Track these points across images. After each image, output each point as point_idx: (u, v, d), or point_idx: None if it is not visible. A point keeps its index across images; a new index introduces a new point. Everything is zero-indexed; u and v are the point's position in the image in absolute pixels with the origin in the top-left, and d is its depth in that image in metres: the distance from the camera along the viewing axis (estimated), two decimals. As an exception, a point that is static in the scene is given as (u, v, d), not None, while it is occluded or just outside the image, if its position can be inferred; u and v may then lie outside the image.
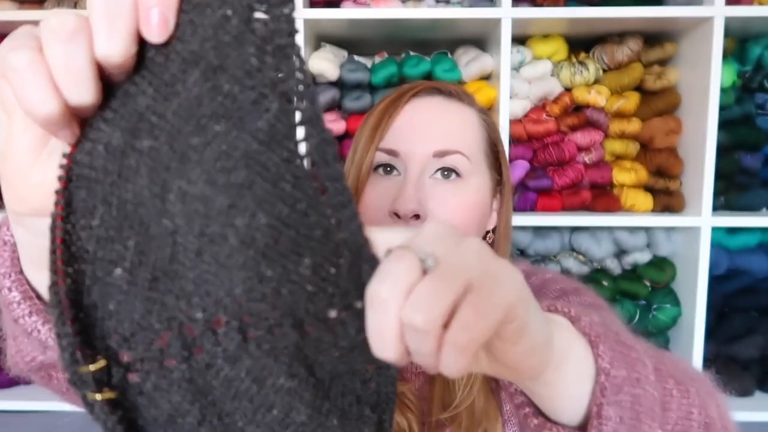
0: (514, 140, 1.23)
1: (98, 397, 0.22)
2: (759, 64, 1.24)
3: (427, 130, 0.55)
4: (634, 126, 1.22)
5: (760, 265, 1.25)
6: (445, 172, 0.55)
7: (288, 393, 0.23)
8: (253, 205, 0.22)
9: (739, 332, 1.27)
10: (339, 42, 1.27)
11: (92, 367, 0.22)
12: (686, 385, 0.39)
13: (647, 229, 1.26)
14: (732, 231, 1.25)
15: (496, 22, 1.13)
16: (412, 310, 0.21)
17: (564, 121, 1.23)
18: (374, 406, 0.25)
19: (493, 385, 0.58)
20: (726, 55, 1.21)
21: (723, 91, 1.19)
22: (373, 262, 0.23)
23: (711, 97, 1.12)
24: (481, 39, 1.29)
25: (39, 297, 0.31)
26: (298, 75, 0.22)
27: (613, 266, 1.27)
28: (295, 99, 0.22)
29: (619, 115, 1.23)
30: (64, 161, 0.23)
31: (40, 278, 0.29)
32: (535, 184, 1.23)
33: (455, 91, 0.59)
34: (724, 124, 1.20)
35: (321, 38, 1.28)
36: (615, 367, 0.34)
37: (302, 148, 0.23)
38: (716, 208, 1.25)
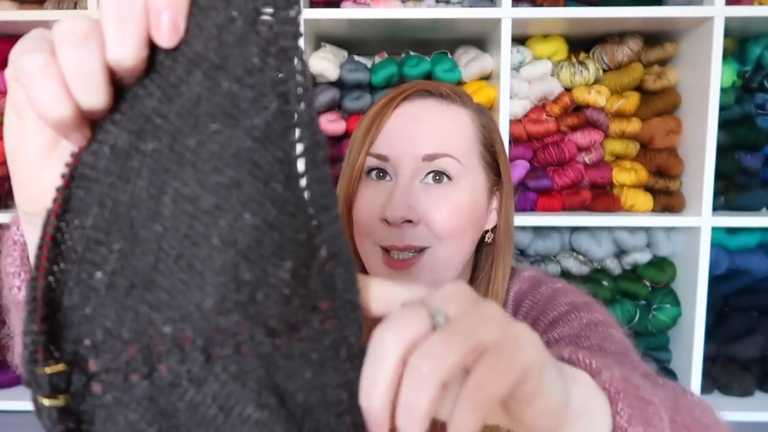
0: (514, 140, 1.23)
1: (46, 402, 0.21)
2: (759, 64, 1.24)
3: (415, 133, 0.55)
4: (634, 126, 1.22)
5: (760, 265, 1.25)
6: (436, 176, 0.55)
7: (256, 425, 0.21)
8: (240, 205, 0.22)
9: (739, 332, 1.27)
10: (339, 42, 1.27)
11: (48, 370, 0.21)
12: None
13: (647, 229, 1.26)
14: (732, 231, 1.25)
15: (496, 22, 1.13)
16: (419, 355, 0.21)
17: (564, 121, 1.23)
18: None
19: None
20: (726, 55, 1.21)
21: (723, 91, 1.19)
22: (348, 267, 0.23)
23: (711, 97, 1.12)
24: (481, 39, 1.29)
25: None
26: (299, 78, 0.22)
27: (613, 266, 1.27)
28: (294, 100, 0.22)
29: (619, 115, 1.23)
30: (70, 160, 0.24)
31: None
32: (535, 184, 1.23)
33: (446, 93, 0.58)
34: (724, 124, 1.19)
35: (321, 38, 1.28)
36: (632, 425, 0.34)
37: (297, 148, 0.23)
38: (716, 208, 1.24)
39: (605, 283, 1.25)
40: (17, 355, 0.38)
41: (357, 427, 0.23)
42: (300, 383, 0.23)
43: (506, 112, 1.15)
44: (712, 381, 1.27)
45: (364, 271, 0.61)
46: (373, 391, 0.21)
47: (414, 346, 0.21)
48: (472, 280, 0.63)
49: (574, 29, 1.21)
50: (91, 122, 0.24)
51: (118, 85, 0.23)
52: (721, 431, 0.43)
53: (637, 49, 1.21)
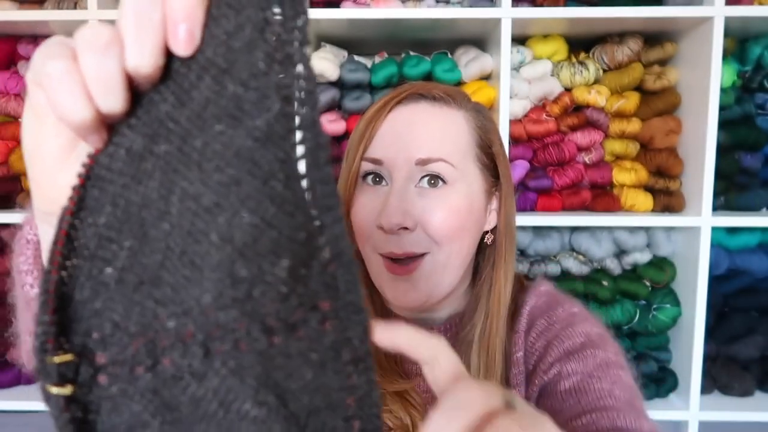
0: (514, 140, 1.23)
1: (54, 390, 0.22)
2: (759, 64, 1.24)
3: (408, 138, 0.55)
4: (634, 126, 1.22)
5: (760, 265, 1.25)
6: (431, 180, 0.55)
7: (254, 422, 0.22)
8: (238, 202, 0.22)
9: (739, 332, 1.27)
10: (339, 42, 1.27)
11: (57, 359, 0.22)
12: None
13: (647, 229, 1.26)
14: (732, 231, 1.25)
15: (496, 22, 1.13)
16: None
17: (564, 121, 1.23)
18: None
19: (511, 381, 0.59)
20: (726, 55, 1.21)
21: (723, 91, 1.19)
22: (350, 268, 0.23)
23: (711, 97, 1.12)
24: (481, 39, 1.29)
25: None
26: (302, 82, 0.23)
27: (613, 266, 1.27)
28: (297, 103, 0.23)
29: (619, 115, 1.23)
30: (87, 161, 0.25)
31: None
32: (535, 184, 1.23)
33: (440, 96, 0.58)
34: (724, 124, 1.19)
35: (321, 38, 1.28)
36: None
37: (298, 150, 0.23)
38: (716, 208, 1.25)
39: (605, 283, 1.25)
40: (24, 352, 0.38)
41: None
42: (301, 384, 0.23)
43: (506, 112, 1.15)
44: (712, 381, 1.27)
45: (366, 275, 0.62)
46: None
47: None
48: (474, 283, 0.63)
49: (574, 29, 1.21)
50: (108, 125, 0.25)
51: (135, 90, 0.24)
52: None
53: (637, 49, 1.21)
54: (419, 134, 0.55)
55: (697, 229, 1.16)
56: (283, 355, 0.23)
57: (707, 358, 1.23)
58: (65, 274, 0.24)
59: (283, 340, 0.23)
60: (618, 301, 1.25)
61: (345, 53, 1.26)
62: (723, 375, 1.27)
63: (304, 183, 0.23)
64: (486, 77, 1.25)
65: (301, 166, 0.23)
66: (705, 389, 1.23)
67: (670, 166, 1.21)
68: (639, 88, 1.24)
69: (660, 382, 1.25)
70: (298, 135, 0.23)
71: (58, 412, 0.22)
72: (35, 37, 1.28)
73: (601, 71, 1.23)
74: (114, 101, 0.23)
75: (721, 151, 1.19)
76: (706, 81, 1.12)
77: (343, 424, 0.23)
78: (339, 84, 1.22)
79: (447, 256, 0.56)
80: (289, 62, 0.23)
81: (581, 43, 1.26)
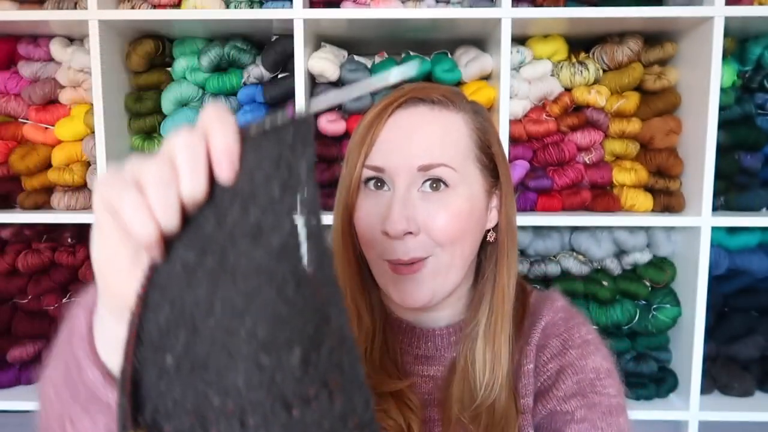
0: (514, 140, 1.23)
1: None
2: (759, 64, 1.24)
3: (409, 144, 0.56)
4: (634, 126, 1.23)
5: (760, 265, 1.25)
6: (433, 184, 0.56)
7: None
8: (260, 307, 0.28)
9: (739, 332, 1.27)
10: (339, 42, 1.27)
11: None
12: None
13: (647, 229, 1.26)
14: (732, 231, 1.25)
15: (496, 22, 1.13)
16: None
17: (564, 121, 1.24)
18: None
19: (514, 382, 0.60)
20: (726, 55, 1.21)
21: (723, 91, 1.19)
22: (352, 352, 0.28)
23: (711, 97, 1.12)
24: (481, 39, 1.29)
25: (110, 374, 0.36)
26: (309, 202, 0.29)
27: (613, 266, 1.27)
28: (304, 220, 0.29)
29: (619, 115, 1.23)
30: (148, 271, 0.30)
31: (114, 360, 0.34)
32: (535, 184, 1.23)
33: (438, 99, 0.58)
34: (724, 124, 1.20)
35: (321, 38, 1.28)
36: None
37: (306, 256, 0.29)
38: (716, 208, 1.25)
39: (605, 283, 1.25)
40: (46, 371, 0.40)
41: None
42: None
43: (506, 112, 1.15)
44: (712, 381, 1.27)
45: (370, 276, 0.62)
46: None
47: None
48: (477, 280, 0.63)
49: (574, 29, 1.21)
50: (166, 240, 0.30)
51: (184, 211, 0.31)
52: None
53: (637, 49, 1.21)
54: (420, 140, 0.56)
55: (697, 229, 1.16)
56: (301, 424, 0.28)
57: (707, 358, 1.23)
58: (135, 362, 0.30)
59: (301, 412, 0.28)
60: (618, 301, 1.25)
61: (345, 53, 1.26)
62: (723, 375, 1.27)
63: (311, 284, 0.29)
64: (486, 77, 1.25)
65: (310, 270, 0.29)
66: (705, 389, 1.24)
67: (670, 166, 1.21)
68: (639, 88, 1.24)
69: (660, 382, 1.25)
70: (306, 245, 0.29)
71: None
72: (35, 37, 1.28)
73: (601, 71, 1.23)
74: (173, 222, 0.29)
75: (721, 151, 1.19)
76: (706, 81, 1.12)
77: None
78: (339, 84, 1.22)
79: (451, 257, 0.57)
80: (298, 186, 0.29)
81: (581, 43, 1.26)
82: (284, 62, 1.22)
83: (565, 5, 1.16)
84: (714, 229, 1.18)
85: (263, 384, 0.28)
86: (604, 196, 1.24)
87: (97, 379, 0.34)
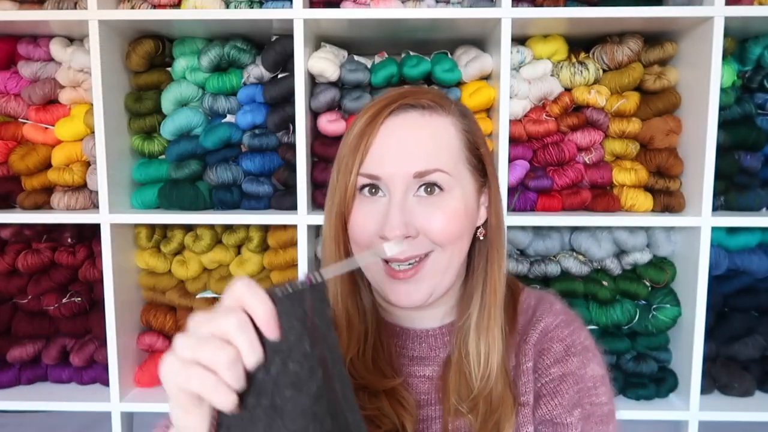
0: (514, 140, 1.23)
1: None
2: (759, 64, 1.24)
3: (404, 152, 0.57)
4: (634, 126, 1.23)
5: (760, 265, 1.25)
6: (428, 188, 0.57)
7: None
8: None
9: (739, 332, 1.27)
10: (339, 42, 1.27)
11: None
12: None
13: (647, 229, 1.26)
14: (732, 231, 1.25)
15: (496, 22, 1.13)
16: None
17: (564, 121, 1.24)
18: None
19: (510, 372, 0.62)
20: (726, 55, 1.21)
21: (723, 91, 1.19)
22: None
23: (711, 97, 1.12)
24: (481, 39, 1.29)
25: None
26: (332, 347, 0.40)
27: (613, 266, 1.27)
28: (331, 365, 0.39)
29: (619, 115, 1.23)
30: (215, 414, 0.39)
31: None
32: (535, 184, 1.23)
33: (428, 104, 0.59)
34: (724, 124, 1.20)
35: (321, 38, 1.28)
36: None
37: (337, 389, 0.40)
38: (716, 208, 1.25)
39: (605, 283, 1.25)
40: None
41: None
42: None
43: (506, 112, 1.15)
44: (712, 381, 1.27)
45: (363, 283, 0.63)
46: None
47: None
48: (467, 277, 0.64)
49: (574, 29, 1.21)
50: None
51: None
52: None
53: (637, 49, 1.21)
54: (414, 147, 0.57)
55: (697, 229, 1.16)
56: None
57: (707, 358, 1.23)
58: None
59: None
60: (618, 301, 1.25)
61: (345, 53, 1.26)
62: (723, 375, 1.27)
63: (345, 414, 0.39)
64: (486, 77, 1.25)
65: (341, 400, 0.40)
66: (705, 389, 1.24)
67: (670, 166, 1.21)
68: (639, 88, 1.24)
69: (660, 382, 1.25)
70: (337, 382, 0.39)
71: None
72: (35, 37, 1.28)
73: (601, 71, 1.23)
74: (240, 384, 0.37)
75: (721, 151, 1.19)
76: (706, 81, 1.12)
77: None
78: (339, 84, 1.22)
79: (450, 256, 0.58)
80: (322, 339, 0.39)
81: (581, 43, 1.26)
82: (284, 62, 1.22)
83: (565, 5, 1.16)
84: (714, 229, 1.18)
85: None
86: (604, 196, 1.24)
87: None
